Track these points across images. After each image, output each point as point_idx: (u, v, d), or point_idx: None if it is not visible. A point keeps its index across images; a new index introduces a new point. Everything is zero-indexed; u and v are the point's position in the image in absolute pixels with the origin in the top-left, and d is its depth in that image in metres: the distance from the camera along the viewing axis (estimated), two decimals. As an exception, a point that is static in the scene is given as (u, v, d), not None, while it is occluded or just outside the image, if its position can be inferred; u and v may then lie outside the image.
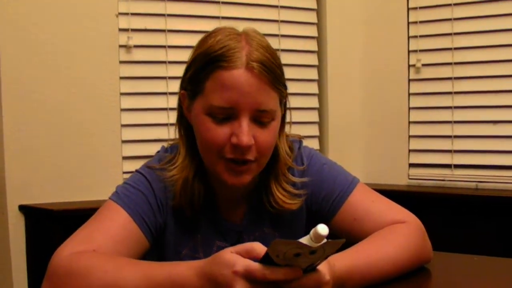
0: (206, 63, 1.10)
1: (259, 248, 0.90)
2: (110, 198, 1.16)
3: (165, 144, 1.26)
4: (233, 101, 1.08)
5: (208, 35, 1.14)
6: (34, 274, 2.23)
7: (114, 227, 1.11)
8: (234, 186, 1.13)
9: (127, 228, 1.11)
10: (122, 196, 1.15)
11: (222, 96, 1.08)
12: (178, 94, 1.19)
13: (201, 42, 1.14)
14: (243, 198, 1.23)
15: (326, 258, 0.93)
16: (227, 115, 1.09)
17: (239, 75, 1.07)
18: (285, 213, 1.22)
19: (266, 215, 1.23)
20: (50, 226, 2.16)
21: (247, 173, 1.13)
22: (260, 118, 1.10)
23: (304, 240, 0.88)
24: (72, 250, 1.06)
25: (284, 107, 1.19)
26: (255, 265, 0.88)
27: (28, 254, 2.25)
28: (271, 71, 1.10)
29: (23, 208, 2.25)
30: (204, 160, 1.16)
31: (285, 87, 1.15)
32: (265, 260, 0.89)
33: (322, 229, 0.87)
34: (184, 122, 1.19)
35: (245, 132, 1.08)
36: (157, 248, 1.19)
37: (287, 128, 1.23)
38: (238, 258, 0.90)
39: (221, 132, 1.09)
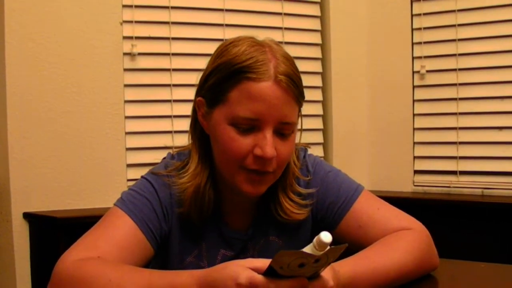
0: (232, 72, 1.09)
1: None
2: (115, 205, 1.16)
3: (172, 151, 1.25)
4: (259, 113, 1.08)
5: (229, 44, 1.13)
6: (38, 281, 2.23)
7: (119, 234, 1.10)
8: (250, 195, 1.13)
9: (132, 235, 1.11)
10: (127, 202, 1.15)
11: (249, 107, 1.08)
12: (193, 101, 1.18)
13: (223, 51, 1.13)
14: (250, 207, 1.22)
15: (329, 264, 0.92)
16: (251, 126, 1.09)
17: (267, 87, 1.08)
18: (291, 222, 1.21)
19: (271, 224, 1.23)
20: (54, 233, 2.15)
21: (264, 183, 1.13)
22: (282, 130, 1.11)
23: (308, 249, 0.87)
24: (77, 257, 1.05)
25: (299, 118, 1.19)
26: (259, 278, 0.87)
27: (32, 261, 2.25)
28: (296, 85, 1.11)
29: (27, 216, 2.25)
30: (221, 169, 1.15)
31: (304, 99, 1.15)
32: (268, 272, 0.88)
33: (325, 236, 0.86)
34: (197, 129, 1.18)
35: (270, 144, 1.08)
36: (161, 255, 1.18)
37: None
38: (243, 270, 0.89)
39: (244, 142, 1.09)
